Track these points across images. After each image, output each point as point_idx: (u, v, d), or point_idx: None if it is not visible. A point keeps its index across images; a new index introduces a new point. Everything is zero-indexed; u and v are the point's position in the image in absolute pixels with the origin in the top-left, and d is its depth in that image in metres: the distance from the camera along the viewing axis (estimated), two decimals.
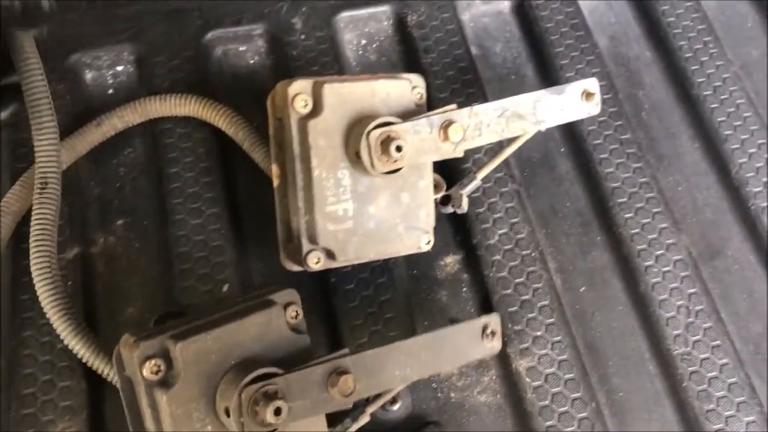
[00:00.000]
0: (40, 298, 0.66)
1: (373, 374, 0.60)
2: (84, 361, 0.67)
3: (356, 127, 0.66)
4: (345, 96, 0.66)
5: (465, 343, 0.65)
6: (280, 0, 0.91)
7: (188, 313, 0.70)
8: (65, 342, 0.66)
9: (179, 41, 0.88)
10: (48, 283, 0.67)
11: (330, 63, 0.87)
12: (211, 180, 0.79)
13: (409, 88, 0.69)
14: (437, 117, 0.67)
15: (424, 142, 0.66)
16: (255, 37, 0.90)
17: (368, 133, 0.64)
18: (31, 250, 0.68)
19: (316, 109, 0.66)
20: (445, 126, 0.67)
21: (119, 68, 0.87)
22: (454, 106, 0.68)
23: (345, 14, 0.91)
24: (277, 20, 0.90)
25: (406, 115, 0.67)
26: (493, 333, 0.65)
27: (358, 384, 0.58)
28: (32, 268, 0.67)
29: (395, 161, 0.65)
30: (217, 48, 0.89)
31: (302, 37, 0.89)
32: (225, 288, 0.74)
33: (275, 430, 0.57)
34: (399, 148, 0.64)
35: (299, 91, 0.66)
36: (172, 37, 0.88)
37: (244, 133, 0.80)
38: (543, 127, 0.73)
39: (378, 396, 0.68)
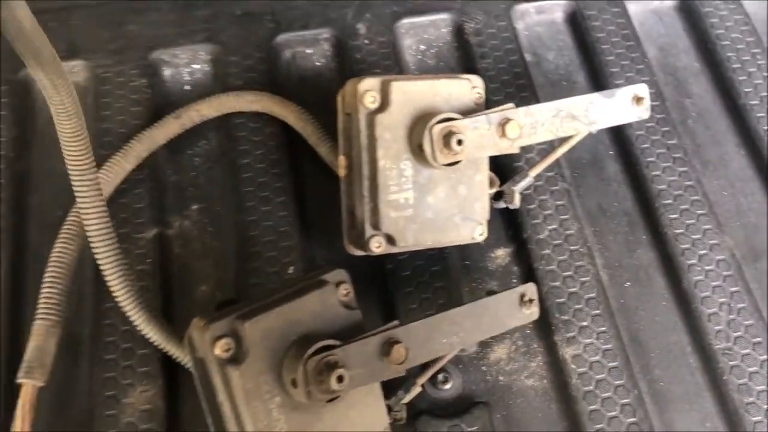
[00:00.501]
0: (113, 292, 0.70)
1: (422, 343, 0.64)
2: (159, 347, 0.72)
3: (420, 122, 0.71)
4: (410, 93, 0.71)
5: (505, 311, 0.69)
6: (345, 6, 0.97)
7: (241, 300, 0.76)
8: (141, 331, 0.72)
9: (251, 43, 0.94)
10: (120, 277, 0.69)
11: (391, 66, 0.93)
12: (279, 171, 0.85)
13: (470, 87, 0.74)
14: (495, 115, 0.72)
15: (483, 137, 0.71)
16: (321, 41, 0.96)
17: (431, 127, 0.69)
18: (96, 247, 0.68)
19: (384, 105, 0.71)
20: (503, 123, 0.71)
21: (195, 66, 0.94)
22: (511, 105, 0.73)
23: (406, 21, 0.97)
24: (343, 25, 0.96)
25: (466, 113, 0.72)
26: (530, 300, 0.70)
27: (409, 352, 0.63)
28: (102, 264, 0.69)
29: (455, 154, 0.70)
30: (286, 50, 0.95)
31: (366, 41, 0.94)
32: (290, 270, 0.79)
33: (337, 397, 0.62)
34: (460, 142, 0.69)
35: (368, 88, 0.71)
36: (245, 39, 0.94)
37: (312, 129, 0.86)
38: (594, 129, 0.77)
39: (427, 369, 0.73)
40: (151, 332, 0.72)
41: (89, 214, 0.67)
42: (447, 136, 0.69)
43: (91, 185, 0.66)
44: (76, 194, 0.66)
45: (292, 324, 0.62)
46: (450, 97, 0.73)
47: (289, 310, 0.62)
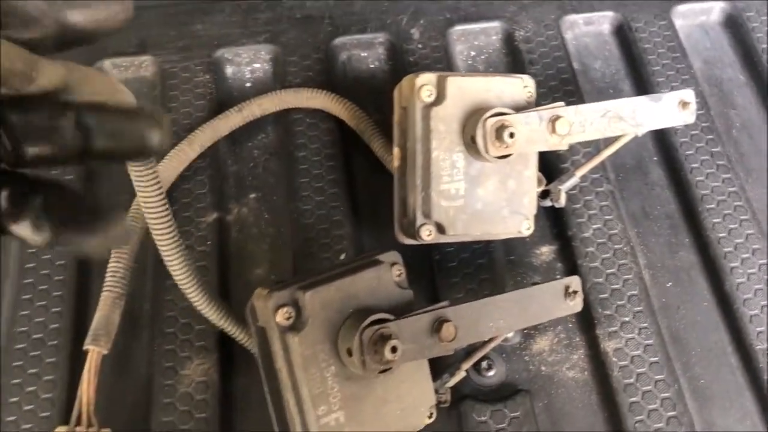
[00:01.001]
0: (174, 276, 0.70)
1: (470, 324, 0.67)
2: (217, 325, 0.75)
3: (473, 115, 0.74)
4: (465, 88, 0.75)
5: (550, 301, 0.71)
6: (401, 13, 1.01)
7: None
8: (201, 310, 0.74)
9: (310, 44, 0.98)
10: (180, 261, 0.69)
11: (442, 69, 0.97)
12: (333, 164, 0.89)
13: (521, 86, 0.78)
14: (546, 111, 0.75)
15: (534, 132, 0.74)
16: (376, 44, 1.00)
17: (485, 120, 0.73)
18: (157, 235, 0.67)
19: (439, 99, 0.74)
20: (553, 120, 0.74)
21: (256, 65, 0.99)
22: (561, 103, 0.76)
23: (458, 28, 1.00)
24: (397, 30, 1.00)
25: (517, 110, 0.75)
26: (574, 292, 0.72)
27: (458, 332, 0.66)
28: (163, 250, 0.68)
29: (506, 147, 0.73)
30: (342, 52, 1.00)
31: (419, 45, 0.98)
32: (342, 257, 0.83)
33: (389, 369, 0.65)
34: (512, 135, 0.72)
35: (425, 83, 0.75)
36: (304, 40, 0.99)
37: (365, 125, 0.89)
38: (641, 131, 0.80)
39: (472, 355, 0.75)
40: (211, 312, 0.75)
41: (148, 204, 0.66)
42: (499, 129, 0.72)
43: (150, 177, 0.64)
44: (135, 186, 0.64)
45: (349, 297, 0.65)
46: (502, 94, 0.77)
47: (347, 284, 0.65)
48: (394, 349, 0.62)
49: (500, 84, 0.77)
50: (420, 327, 0.65)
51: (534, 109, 0.75)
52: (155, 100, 0.94)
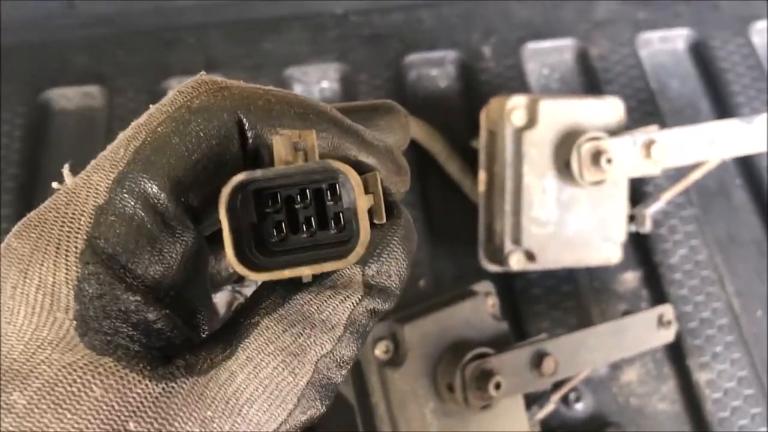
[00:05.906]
0: None
1: (570, 357, 0.65)
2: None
3: (566, 140, 0.72)
4: (557, 111, 0.73)
5: (644, 331, 0.70)
6: (471, 30, 0.99)
7: None
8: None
9: (380, 63, 0.97)
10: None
11: (517, 89, 0.94)
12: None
13: (612, 108, 0.75)
14: (640, 135, 0.72)
15: (629, 157, 0.72)
16: (447, 62, 0.98)
17: (580, 145, 0.70)
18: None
19: (531, 122, 0.73)
20: (648, 144, 0.72)
21: (324, 85, 0.97)
22: (655, 126, 0.74)
23: (530, 46, 0.98)
24: (468, 48, 0.98)
25: (610, 133, 0.73)
26: (668, 322, 0.70)
27: (558, 366, 0.63)
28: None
29: (602, 173, 0.71)
30: (412, 71, 0.98)
31: (491, 64, 0.96)
32: (421, 282, 0.81)
33: (488, 405, 0.63)
34: (609, 161, 0.70)
35: (516, 106, 0.73)
36: (374, 58, 0.97)
37: (440, 147, 0.87)
38: (732, 155, 0.77)
39: (560, 386, 0.73)
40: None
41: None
42: (596, 155, 0.70)
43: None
44: None
45: (447, 330, 0.63)
46: (594, 117, 0.74)
47: (444, 317, 0.63)
48: (498, 386, 0.60)
49: (592, 106, 0.75)
50: (521, 361, 0.63)
51: (628, 132, 0.73)
52: None
